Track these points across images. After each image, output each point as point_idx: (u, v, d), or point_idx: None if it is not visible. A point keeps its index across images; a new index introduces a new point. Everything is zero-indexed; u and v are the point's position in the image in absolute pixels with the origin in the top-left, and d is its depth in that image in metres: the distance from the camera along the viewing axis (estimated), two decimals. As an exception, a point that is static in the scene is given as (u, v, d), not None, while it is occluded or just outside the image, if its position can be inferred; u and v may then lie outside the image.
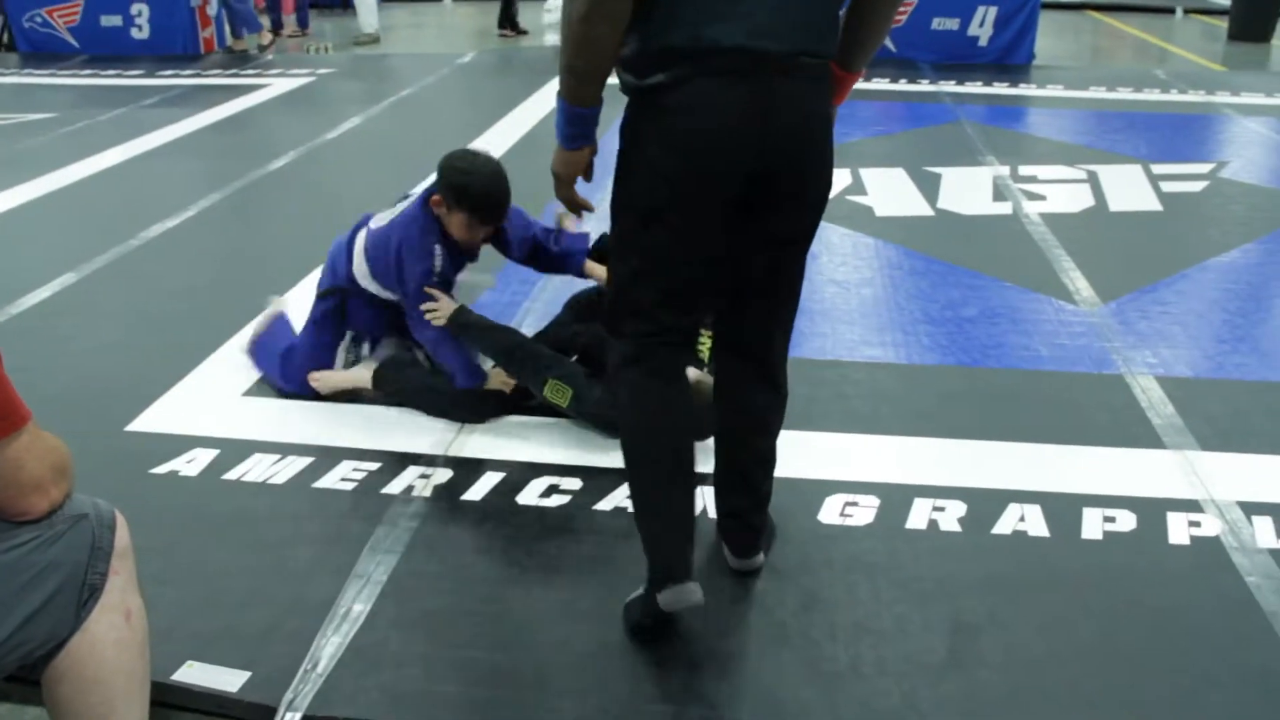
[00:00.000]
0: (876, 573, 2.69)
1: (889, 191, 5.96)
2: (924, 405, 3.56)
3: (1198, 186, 6.13)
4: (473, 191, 3.28)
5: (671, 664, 2.39)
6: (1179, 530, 2.86)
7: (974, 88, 8.99)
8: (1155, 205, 5.79)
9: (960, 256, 4.93)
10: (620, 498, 2.95)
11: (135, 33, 10.87)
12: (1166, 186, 6.08)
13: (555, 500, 3.00)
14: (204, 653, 2.37)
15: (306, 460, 3.19)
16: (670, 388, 2.39)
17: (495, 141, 6.94)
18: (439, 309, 3.34)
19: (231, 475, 3.13)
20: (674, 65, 2.11)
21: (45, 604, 1.77)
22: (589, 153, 2.29)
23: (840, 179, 6.04)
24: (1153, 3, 14.46)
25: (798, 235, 2.36)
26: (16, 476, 1.72)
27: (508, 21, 12.26)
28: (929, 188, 6.01)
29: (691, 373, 2.96)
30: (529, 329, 3.79)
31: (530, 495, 3.02)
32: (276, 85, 9.20)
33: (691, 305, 2.37)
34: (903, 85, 9.04)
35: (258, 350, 3.77)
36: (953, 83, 9.13)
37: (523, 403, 3.39)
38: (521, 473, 3.13)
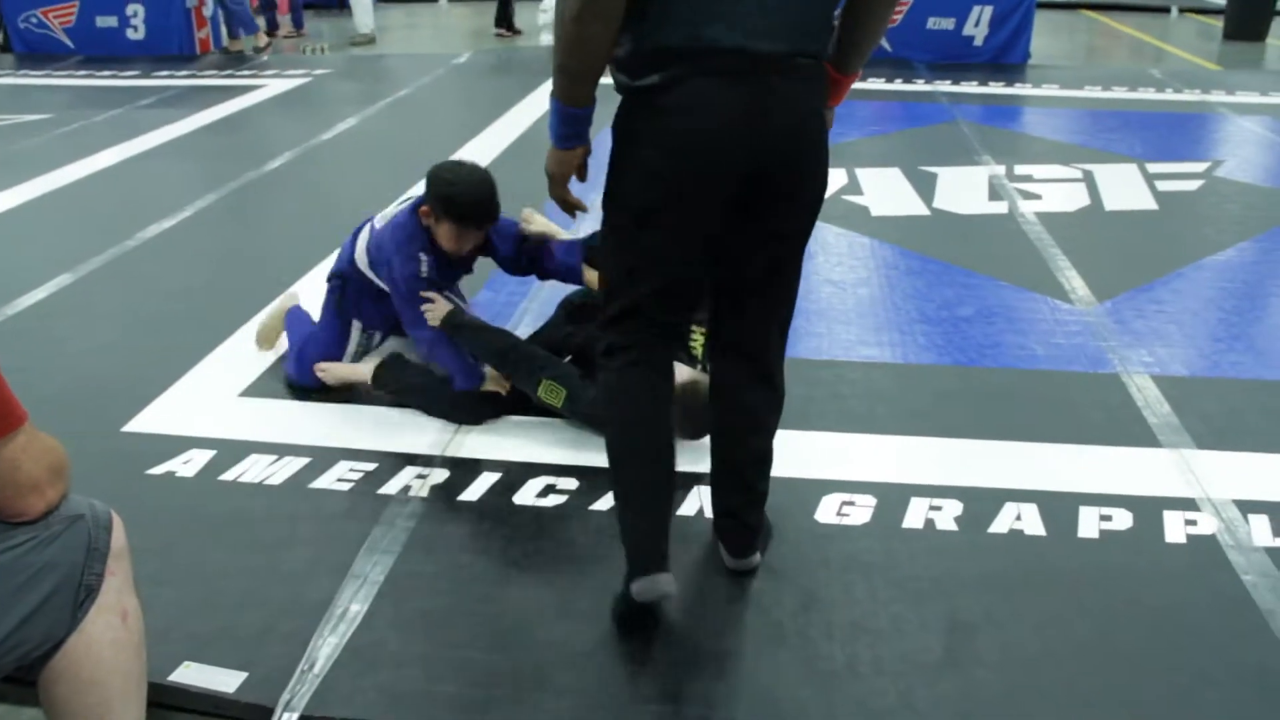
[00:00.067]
0: (873, 572, 2.69)
1: (885, 191, 5.96)
2: (920, 405, 3.57)
3: (1193, 185, 6.14)
4: (459, 200, 3.30)
5: (668, 663, 2.39)
6: (1175, 529, 2.86)
7: (969, 87, 9.00)
8: (1151, 204, 5.80)
9: (956, 256, 4.93)
10: (617, 497, 2.95)
11: (131, 33, 10.87)
12: (1162, 185, 6.09)
13: (552, 500, 3.00)
14: (201, 653, 2.37)
15: (303, 461, 3.19)
16: (651, 379, 2.40)
17: (491, 142, 6.95)
18: (433, 310, 3.35)
19: (228, 476, 3.12)
20: (669, 65, 2.12)
21: (42, 605, 1.77)
22: (582, 152, 2.30)
23: (836, 179, 6.05)
24: (1148, 2, 14.47)
25: (793, 235, 2.37)
26: (13, 477, 1.72)
27: (504, 21, 12.26)
28: (925, 187, 6.01)
29: (686, 372, 2.97)
30: (525, 330, 3.80)
31: (527, 495, 3.02)
32: (272, 86, 9.20)
33: (684, 304, 2.37)
34: (898, 85, 9.04)
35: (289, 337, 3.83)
36: (948, 82, 9.14)
37: (520, 404, 3.39)
38: (518, 473, 3.13)
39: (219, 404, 3.56)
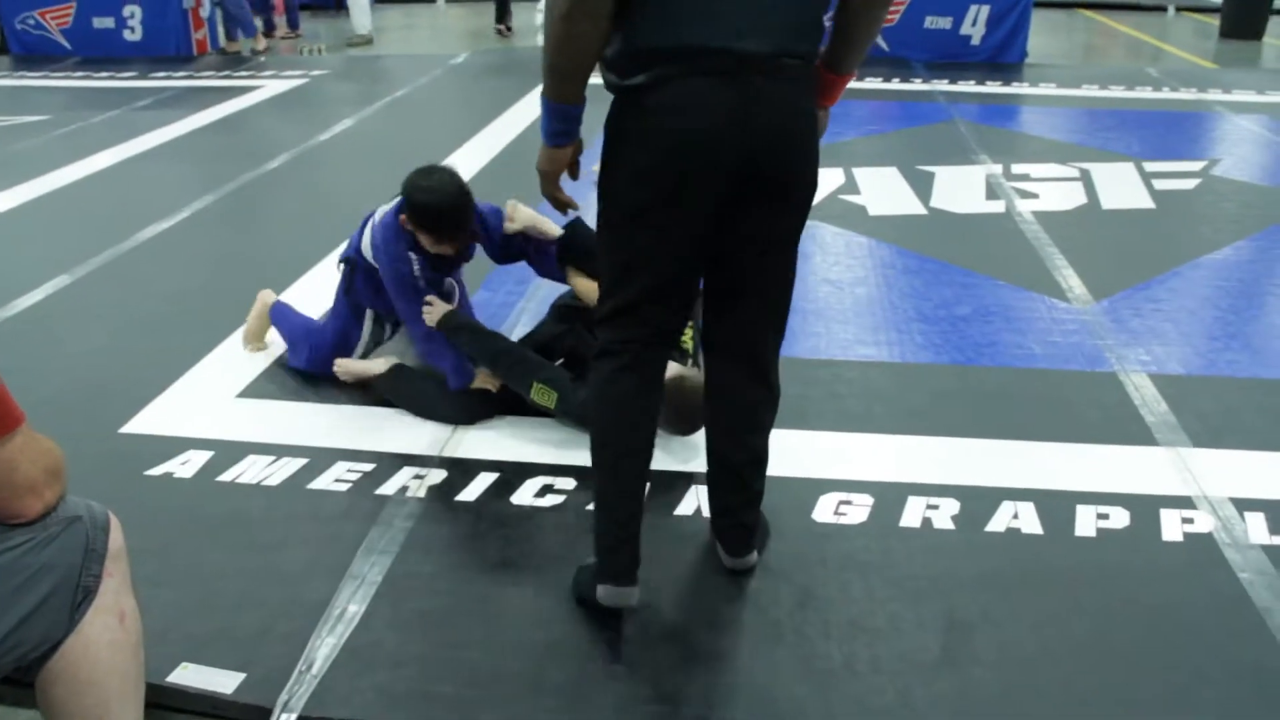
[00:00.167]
0: (870, 571, 2.69)
1: (882, 190, 5.96)
2: (917, 404, 3.57)
3: (1190, 184, 6.15)
4: (430, 213, 3.32)
5: (666, 663, 2.39)
6: (1172, 527, 2.87)
7: (967, 86, 9.01)
8: (1148, 203, 5.80)
9: (953, 255, 4.94)
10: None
11: (128, 34, 10.86)
12: (1159, 184, 6.09)
13: (549, 500, 3.01)
14: (199, 654, 2.37)
15: (301, 461, 3.19)
16: (641, 387, 2.41)
17: (488, 142, 6.96)
18: (430, 312, 3.37)
19: (226, 477, 3.12)
20: (656, 65, 2.12)
21: (39, 606, 1.77)
22: (573, 150, 2.30)
23: (833, 178, 6.05)
24: (1145, 1, 14.48)
25: (784, 235, 2.37)
26: (10, 479, 1.73)
27: (502, 18, 12.30)
28: (922, 187, 6.01)
29: (674, 368, 2.97)
30: (521, 330, 3.81)
31: (524, 495, 3.03)
32: (269, 87, 9.20)
33: (678, 304, 2.37)
34: (895, 84, 9.05)
35: (283, 331, 3.88)
36: (945, 81, 9.14)
37: (515, 405, 3.39)
38: (515, 473, 3.13)
39: (216, 405, 3.56)
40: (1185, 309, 4.36)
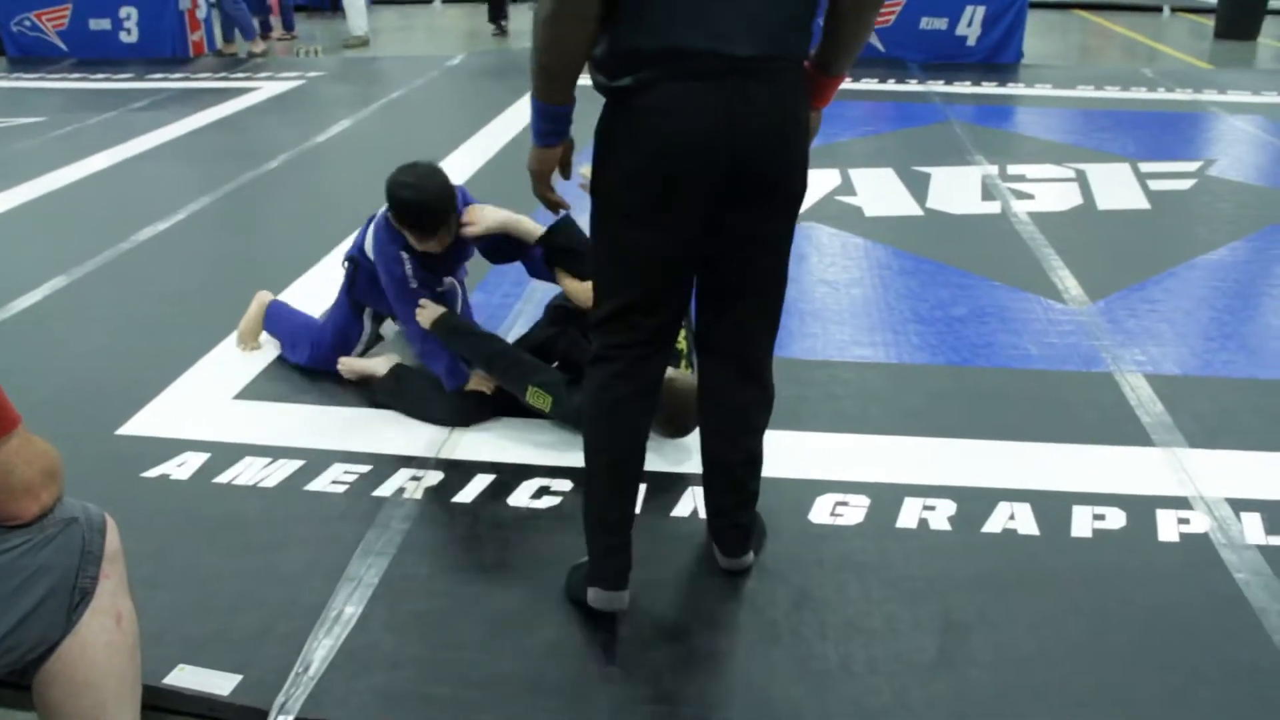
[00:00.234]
0: (867, 572, 2.70)
1: (878, 191, 5.96)
2: (914, 405, 3.57)
3: (1185, 184, 6.15)
4: (410, 209, 3.31)
5: (663, 664, 2.39)
6: (1168, 528, 2.87)
7: (962, 87, 9.01)
8: (1143, 203, 5.81)
9: (949, 256, 4.94)
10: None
11: (124, 36, 10.84)
12: (1154, 185, 6.10)
13: (546, 501, 3.01)
14: (195, 656, 2.37)
15: (297, 463, 3.19)
16: (633, 392, 2.41)
17: (485, 143, 6.96)
18: (423, 313, 3.38)
19: (222, 479, 3.12)
20: (642, 68, 2.13)
21: (36, 608, 1.77)
22: (563, 150, 2.31)
23: (829, 179, 6.06)
24: (1140, 1, 14.49)
25: (775, 236, 2.37)
26: (6, 480, 1.73)
27: (496, 18, 12.31)
28: (918, 187, 6.02)
29: (667, 370, 2.96)
30: (518, 332, 3.81)
31: (521, 497, 3.03)
32: (266, 88, 9.19)
33: (670, 306, 2.36)
34: (891, 85, 9.05)
35: (278, 333, 3.90)
36: (941, 82, 9.14)
37: (511, 406, 3.39)
38: (512, 474, 3.13)
39: (213, 407, 3.56)
40: (1181, 309, 4.37)
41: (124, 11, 10.77)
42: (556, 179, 2.36)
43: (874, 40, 10.06)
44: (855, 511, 2.94)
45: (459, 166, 6.33)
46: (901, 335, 4.10)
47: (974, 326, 4.17)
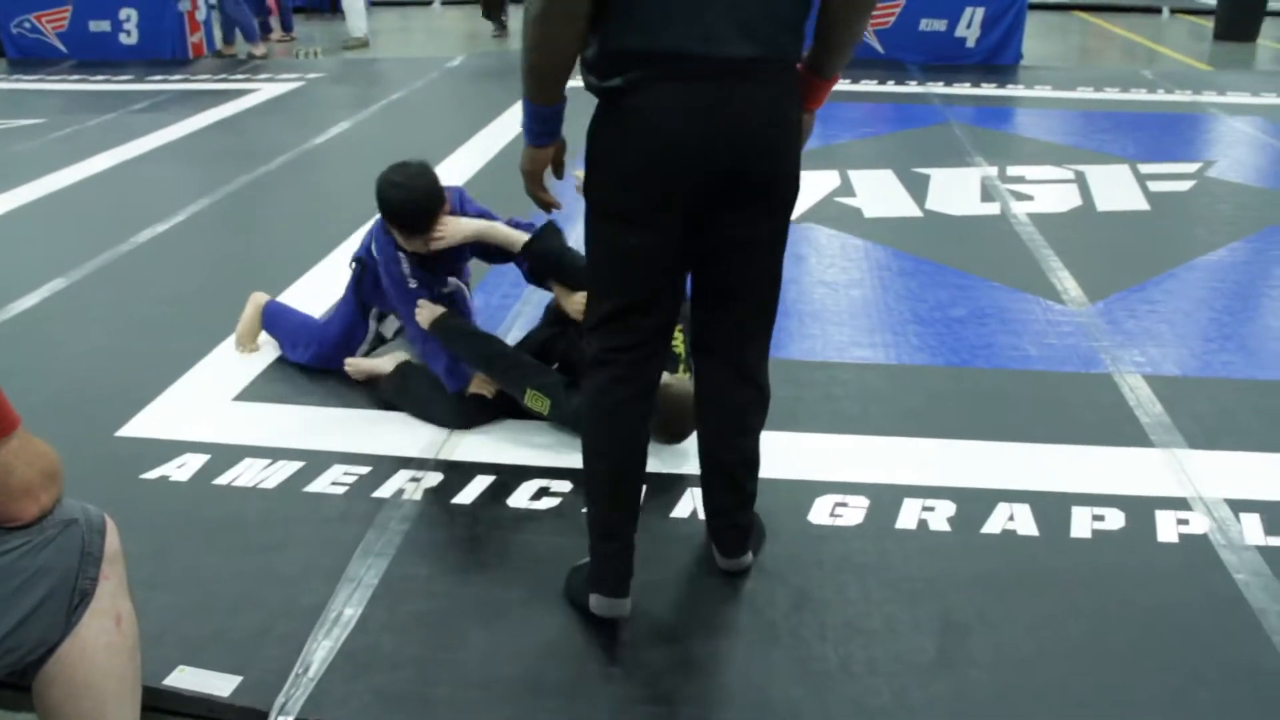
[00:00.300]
0: (866, 573, 2.70)
1: (877, 193, 5.96)
2: (913, 405, 3.57)
3: (1185, 186, 6.16)
4: (394, 209, 3.33)
5: (662, 664, 2.39)
6: (1167, 528, 2.87)
7: (962, 89, 9.01)
8: (1143, 205, 5.81)
9: (949, 257, 4.94)
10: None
11: (124, 38, 10.85)
12: (1154, 186, 6.10)
13: (545, 503, 3.01)
14: (195, 657, 2.37)
15: (297, 464, 3.19)
16: (633, 396, 2.40)
17: (484, 144, 6.96)
18: (421, 313, 3.38)
19: (222, 480, 3.12)
20: (631, 69, 2.13)
21: (36, 609, 1.77)
22: (555, 149, 2.32)
23: (829, 180, 6.05)
24: (1139, 3, 14.50)
25: (767, 238, 2.36)
26: (6, 482, 1.73)
27: (493, 15, 12.32)
28: (917, 189, 6.02)
29: (664, 375, 2.96)
30: (518, 333, 3.81)
31: (521, 498, 3.03)
32: (265, 90, 9.19)
33: (664, 307, 2.36)
34: (890, 86, 9.05)
35: (278, 333, 3.92)
36: (940, 84, 9.15)
37: (512, 408, 3.39)
38: (511, 475, 3.13)
39: (213, 408, 3.56)
40: (1180, 310, 4.37)
41: (124, 13, 10.78)
42: (550, 180, 2.36)
43: (873, 42, 10.08)
44: (855, 512, 2.94)
45: (459, 168, 6.34)
46: (901, 336, 4.10)
47: (973, 327, 4.18)
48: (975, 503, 2.98)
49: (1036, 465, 3.18)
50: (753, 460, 2.61)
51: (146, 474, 3.15)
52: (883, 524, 2.90)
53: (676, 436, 3.15)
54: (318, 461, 3.21)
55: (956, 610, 2.55)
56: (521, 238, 3.37)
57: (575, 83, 2.17)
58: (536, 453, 3.25)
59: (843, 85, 8.85)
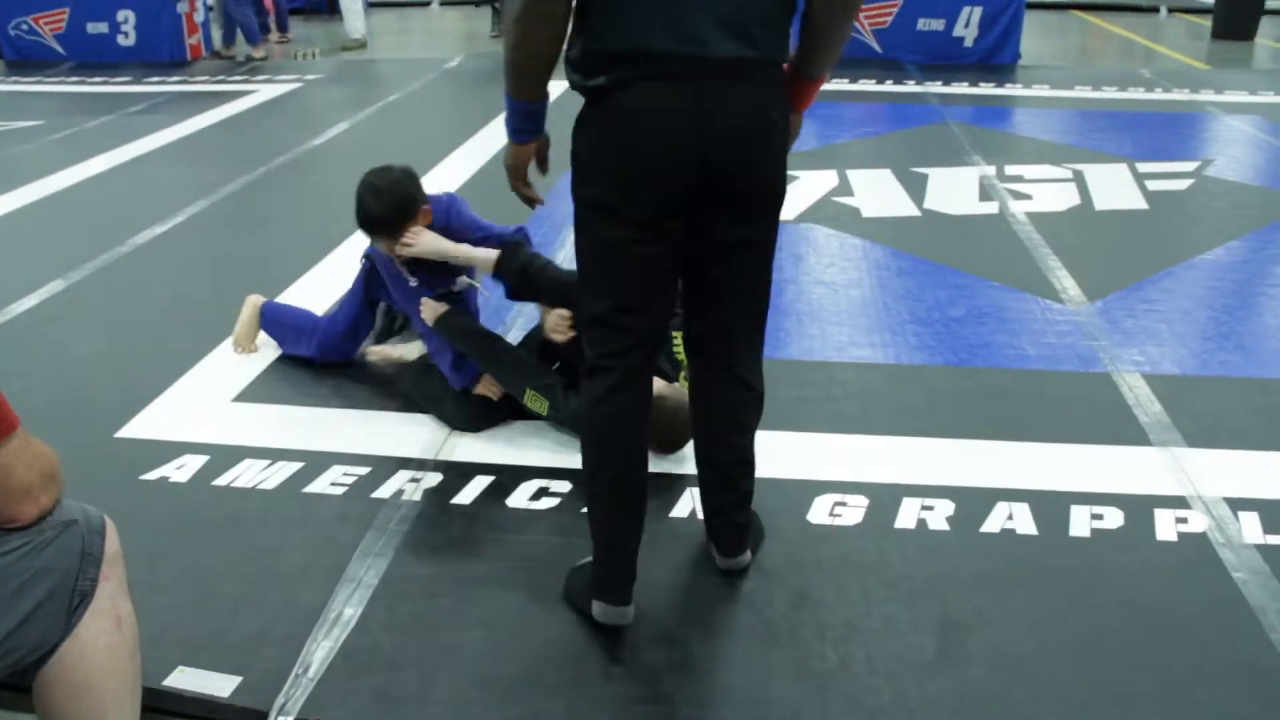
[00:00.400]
0: (866, 572, 2.70)
1: (876, 192, 5.97)
2: (912, 405, 3.58)
3: (1183, 185, 6.16)
4: (357, 210, 3.37)
5: (662, 664, 2.39)
6: (1166, 527, 2.87)
7: (960, 88, 9.02)
8: (1141, 204, 5.81)
9: (947, 257, 4.94)
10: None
11: (122, 40, 10.85)
12: (1152, 185, 6.11)
13: (545, 503, 3.01)
14: (195, 658, 2.37)
15: (296, 465, 3.19)
16: (631, 403, 2.40)
17: (482, 146, 6.96)
18: (426, 310, 3.39)
19: (221, 481, 3.13)
20: (615, 68, 2.13)
21: (36, 610, 1.77)
22: (536, 146, 2.33)
23: (827, 180, 6.06)
24: (1137, 2, 14.51)
25: (754, 239, 2.35)
26: (6, 483, 1.73)
27: (498, 13, 12.35)
28: (916, 188, 6.02)
29: (659, 385, 2.96)
30: (518, 333, 3.81)
31: (520, 498, 3.03)
32: (263, 91, 9.19)
33: (654, 309, 2.35)
34: (889, 86, 9.05)
35: (278, 331, 3.94)
36: (939, 83, 9.15)
37: (519, 412, 3.39)
38: (511, 476, 3.13)
39: (212, 409, 3.56)
40: (1179, 309, 4.37)
41: (121, 15, 10.78)
42: (535, 175, 2.38)
43: (871, 41, 10.09)
44: (854, 512, 2.94)
45: (457, 168, 6.35)
46: (900, 336, 4.10)
47: (972, 327, 4.18)
48: (974, 502, 2.98)
49: (1035, 464, 3.18)
50: (748, 459, 2.61)
51: (146, 475, 3.15)
52: (882, 523, 2.90)
53: (673, 446, 3.15)
54: (317, 462, 3.21)
55: (956, 609, 2.56)
56: (492, 257, 3.29)
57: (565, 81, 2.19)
58: (536, 453, 3.26)
59: (841, 85, 8.91)
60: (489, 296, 3.70)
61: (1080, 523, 2.89)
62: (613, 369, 2.36)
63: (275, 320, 3.92)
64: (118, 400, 3.58)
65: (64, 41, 10.89)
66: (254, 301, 3.97)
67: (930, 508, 2.96)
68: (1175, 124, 7.80)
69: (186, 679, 2.31)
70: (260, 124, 8.13)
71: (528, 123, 2.28)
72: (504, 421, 3.42)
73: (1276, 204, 5.80)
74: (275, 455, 3.25)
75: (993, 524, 2.89)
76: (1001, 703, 2.28)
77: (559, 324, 3.28)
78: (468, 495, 3.05)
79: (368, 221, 3.37)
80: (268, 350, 3.93)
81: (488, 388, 3.39)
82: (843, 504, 2.98)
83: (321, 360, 3.80)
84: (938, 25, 10.13)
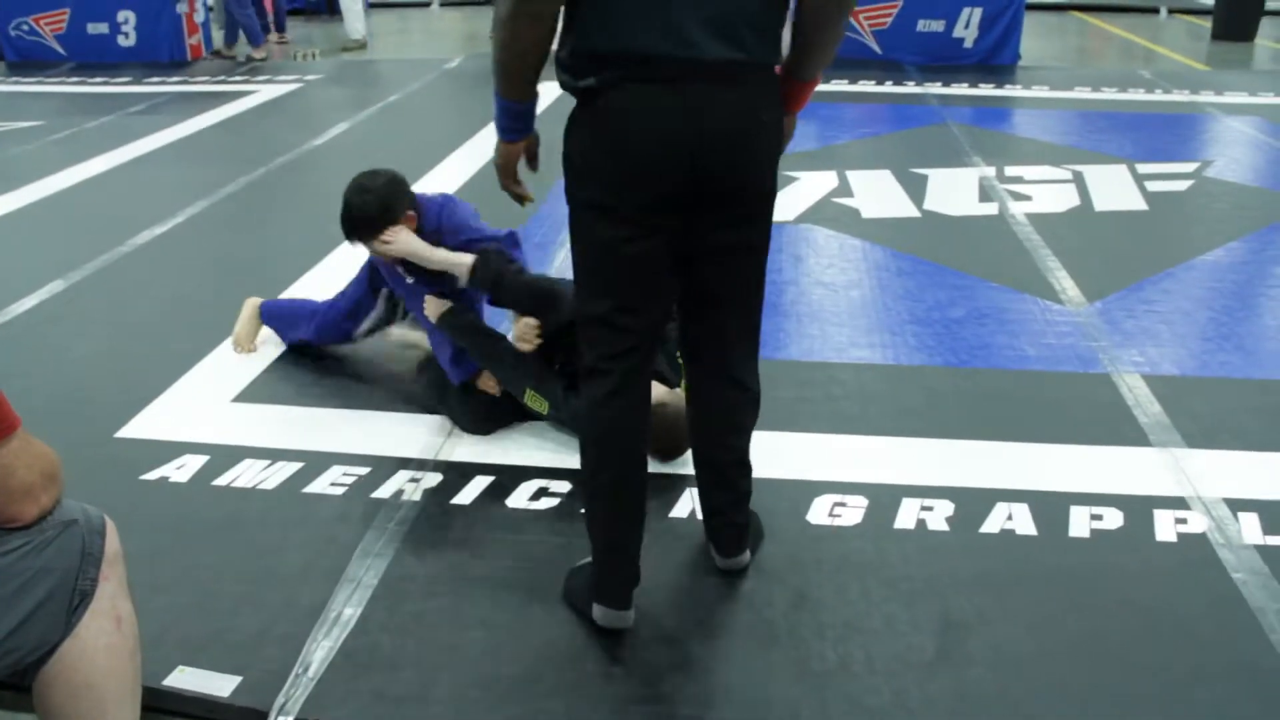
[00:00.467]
0: (865, 572, 2.70)
1: (875, 193, 5.97)
2: (912, 405, 3.58)
3: (1183, 186, 6.16)
4: (342, 209, 3.43)
5: (662, 664, 2.39)
6: (1166, 527, 2.87)
7: (960, 89, 9.02)
8: (1141, 205, 5.82)
9: (947, 257, 4.95)
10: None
11: (122, 40, 10.85)
12: (1152, 186, 6.11)
13: (544, 503, 3.01)
14: (195, 658, 2.37)
15: (296, 465, 3.19)
16: (631, 406, 2.40)
17: (482, 147, 6.95)
18: (430, 306, 3.40)
19: (221, 481, 3.13)
20: (605, 69, 2.13)
21: (36, 610, 1.77)
22: (525, 145, 2.34)
23: (827, 181, 6.06)
24: (1137, 3, 14.52)
25: (747, 241, 2.35)
26: (6, 483, 1.73)
27: None
28: (915, 189, 6.02)
29: (659, 392, 2.96)
30: (518, 332, 3.81)
31: (519, 498, 3.03)
32: (263, 92, 9.19)
33: (650, 310, 2.35)
34: (888, 87, 9.05)
35: (278, 322, 3.98)
36: (938, 84, 9.15)
37: (523, 413, 3.39)
38: (511, 476, 3.13)
39: (212, 409, 3.56)
40: (1178, 310, 4.37)
41: (122, 15, 10.78)
42: (525, 173, 2.39)
43: (871, 42, 10.09)
44: (853, 512, 2.95)
45: (457, 169, 6.34)
46: (899, 336, 4.10)
47: (971, 328, 4.18)
48: (974, 502, 2.98)
49: (1035, 465, 3.18)
50: (745, 459, 2.61)
51: (146, 475, 3.15)
52: (881, 523, 2.90)
53: (671, 453, 3.14)
54: (317, 462, 3.21)
55: (955, 609, 2.56)
56: (466, 263, 3.27)
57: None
58: (535, 453, 3.26)
59: (840, 86, 8.92)
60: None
61: (1080, 523, 2.89)
62: (611, 371, 2.35)
63: (275, 313, 3.95)
64: (118, 400, 3.58)
65: (64, 42, 10.89)
66: (253, 303, 3.98)
67: (930, 508, 2.96)
68: (1175, 125, 7.80)
69: (186, 679, 2.31)
70: (260, 124, 8.13)
71: (517, 122, 2.29)
72: (510, 425, 3.41)
73: (1276, 205, 5.80)
74: (275, 455, 3.25)
75: (992, 524, 2.89)
76: (1001, 703, 2.28)
77: (526, 332, 3.29)
78: (468, 495, 3.05)
79: (346, 220, 3.43)
80: (267, 350, 3.94)
81: (488, 383, 3.39)
82: (842, 504, 2.98)
83: (319, 343, 3.83)
84: (937, 26, 10.13)
